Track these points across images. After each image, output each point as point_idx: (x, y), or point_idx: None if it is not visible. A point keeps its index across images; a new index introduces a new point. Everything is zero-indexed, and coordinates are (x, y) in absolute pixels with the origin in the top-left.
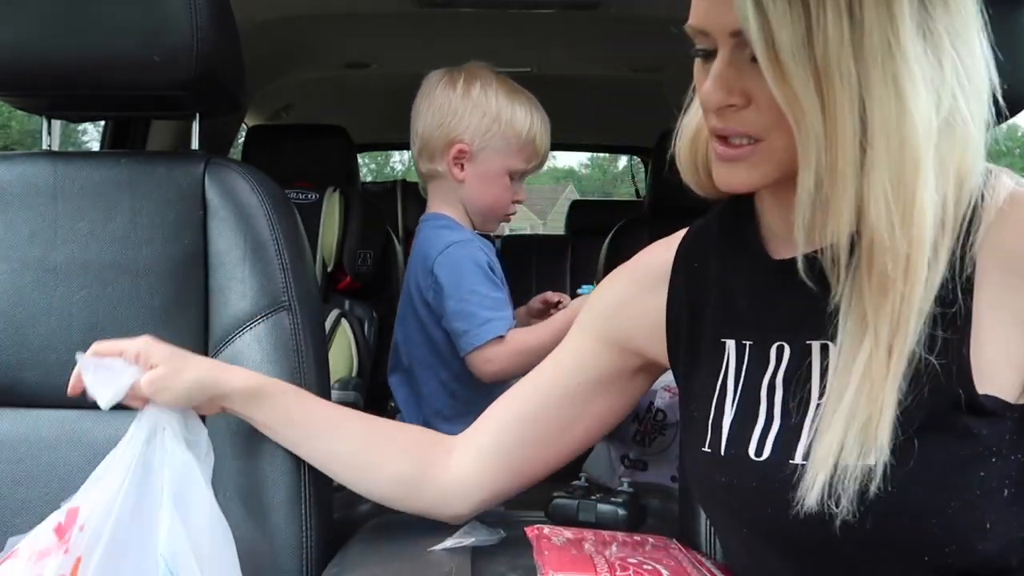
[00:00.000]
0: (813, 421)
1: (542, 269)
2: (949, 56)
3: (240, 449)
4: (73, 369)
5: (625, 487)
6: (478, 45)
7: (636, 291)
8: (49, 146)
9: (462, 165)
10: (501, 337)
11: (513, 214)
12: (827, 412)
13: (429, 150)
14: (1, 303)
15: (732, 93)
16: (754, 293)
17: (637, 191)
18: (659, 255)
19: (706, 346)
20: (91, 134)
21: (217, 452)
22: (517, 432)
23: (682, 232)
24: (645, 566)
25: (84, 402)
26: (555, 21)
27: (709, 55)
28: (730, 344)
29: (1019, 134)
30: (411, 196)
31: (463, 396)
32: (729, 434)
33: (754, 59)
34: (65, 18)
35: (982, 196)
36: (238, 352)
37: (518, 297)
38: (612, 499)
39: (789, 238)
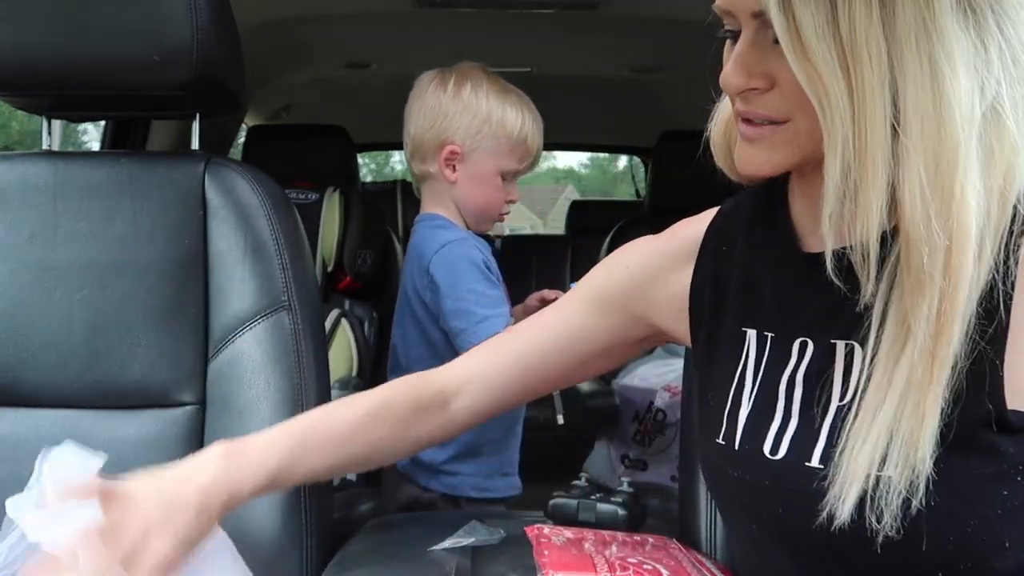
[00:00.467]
0: (833, 424)
1: (542, 269)
2: (994, 37)
3: None
4: (73, 369)
5: (625, 487)
6: (478, 45)
7: (663, 264)
8: (49, 146)
9: (454, 166)
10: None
11: (506, 214)
12: (863, 421)
13: (421, 151)
14: (1, 303)
15: (753, 76)
16: (780, 284)
17: (637, 191)
18: (690, 230)
19: (726, 334)
20: (91, 134)
21: None
22: (513, 386)
23: (714, 210)
24: (645, 566)
25: (84, 402)
26: (555, 21)
27: (736, 37)
28: (751, 334)
29: None
30: (411, 196)
31: None
32: (744, 428)
33: (776, 41)
34: (65, 18)
35: None
36: (238, 352)
37: (518, 297)
38: (612, 499)
39: (818, 231)
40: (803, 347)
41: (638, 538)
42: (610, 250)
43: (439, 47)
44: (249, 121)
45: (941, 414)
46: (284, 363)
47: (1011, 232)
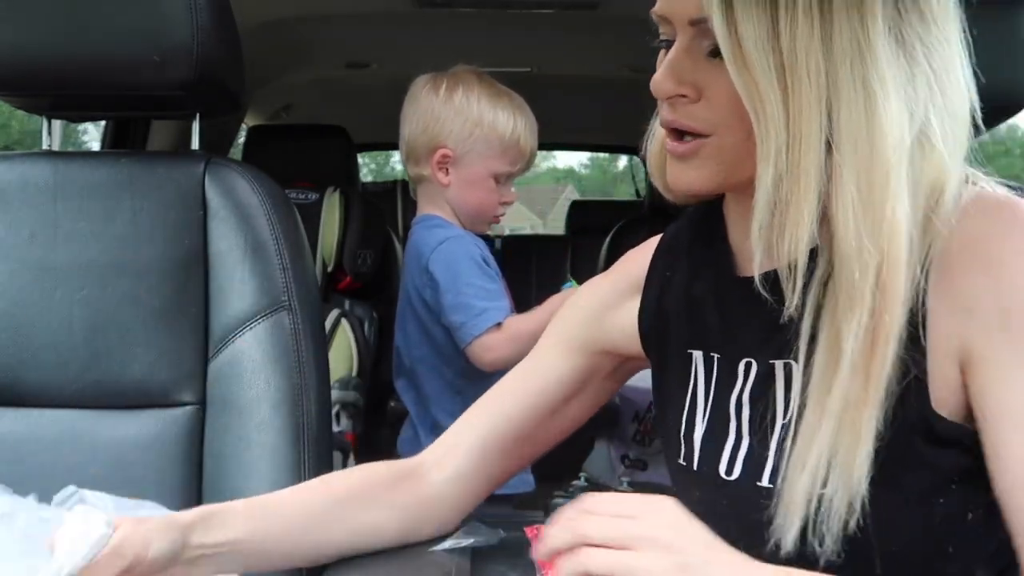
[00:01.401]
0: (779, 443)
1: (542, 269)
2: (923, 69)
3: (239, 450)
4: (73, 369)
5: (625, 487)
6: (478, 45)
7: (614, 298)
8: (49, 146)
9: (447, 169)
10: (499, 325)
11: (502, 215)
12: (801, 447)
13: (415, 155)
14: (1, 303)
15: (683, 84)
16: (721, 306)
17: (637, 191)
18: (636, 262)
19: (675, 358)
20: (91, 134)
21: (217, 453)
22: (495, 447)
23: (656, 238)
24: None
25: (84, 402)
26: (555, 21)
27: (671, 45)
28: (698, 356)
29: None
30: (411, 196)
31: (470, 394)
32: (701, 449)
33: (711, 53)
34: (65, 18)
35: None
36: (238, 352)
37: (518, 297)
38: None
39: (751, 251)
40: (748, 367)
41: None
42: (610, 250)
43: (439, 47)
44: (249, 121)
45: (876, 434)
46: (284, 363)
47: (927, 251)
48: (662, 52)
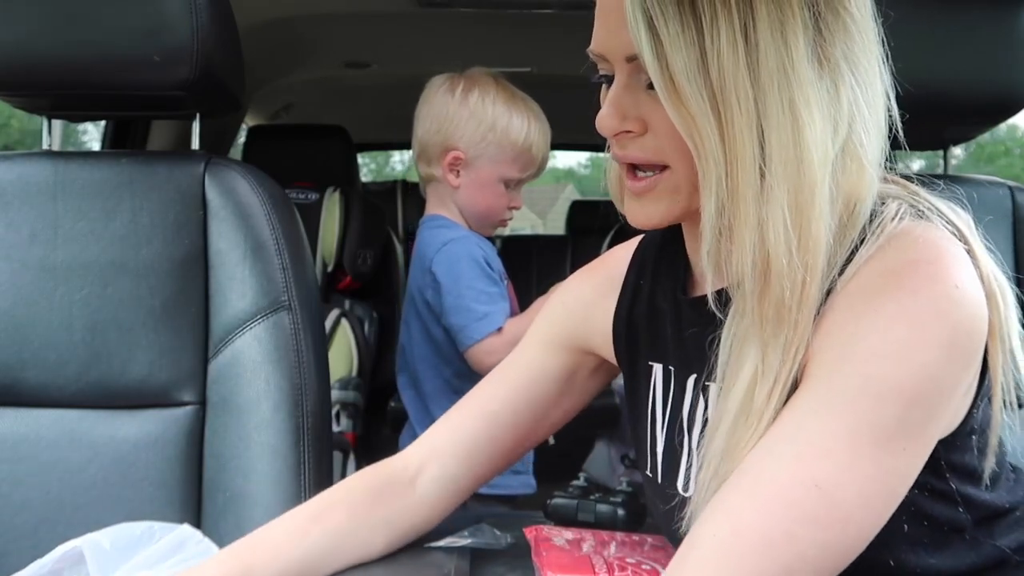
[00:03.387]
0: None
1: (542, 269)
2: (847, 82)
3: (240, 450)
4: (73, 369)
5: (625, 487)
6: (478, 45)
7: (593, 296)
8: (49, 146)
9: (457, 171)
10: (499, 329)
11: (509, 219)
12: (708, 446)
13: (427, 155)
14: (1, 303)
15: (627, 119)
16: (675, 323)
17: None
18: (617, 261)
19: (640, 368)
20: (91, 134)
21: (217, 453)
22: (481, 447)
23: (636, 240)
24: (644, 566)
25: (84, 402)
26: (555, 21)
27: (610, 81)
28: (657, 369)
29: (1019, 134)
30: (411, 196)
31: (467, 393)
32: (663, 464)
33: (651, 85)
34: (65, 18)
35: (867, 228)
36: (238, 352)
37: (519, 297)
38: (611, 499)
39: (701, 271)
40: (696, 384)
41: (637, 538)
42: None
43: (439, 47)
44: (249, 121)
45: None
46: (284, 363)
47: (844, 261)
48: (603, 88)
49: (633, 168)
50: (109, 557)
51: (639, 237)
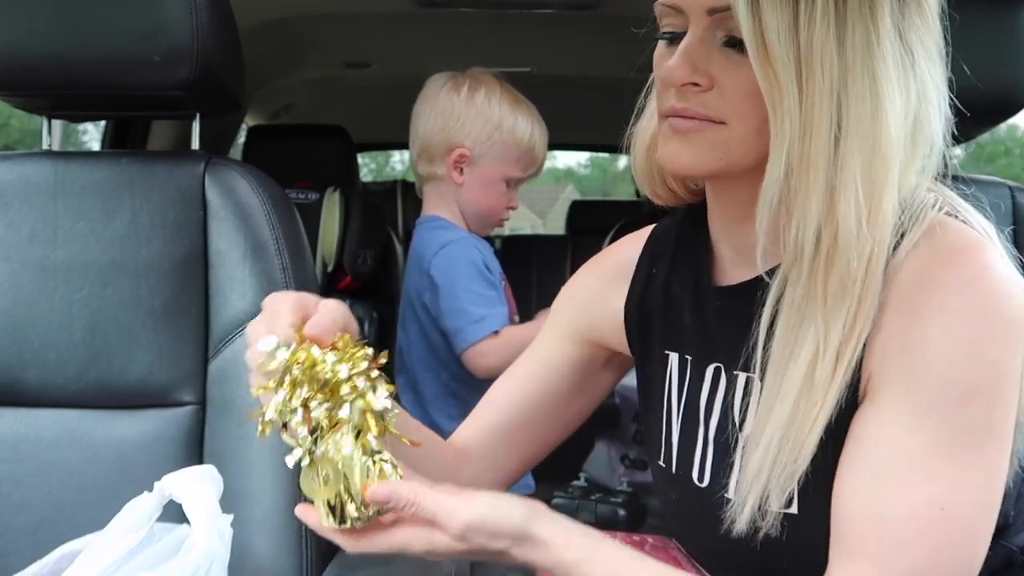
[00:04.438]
0: (743, 455)
1: (542, 269)
2: (921, 67)
3: (240, 450)
4: (73, 369)
5: (625, 487)
6: (478, 45)
7: (601, 288)
8: (49, 146)
9: (461, 169)
10: (496, 332)
11: (507, 219)
12: (759, 431)
13: (429, 153)
14: (1, 303)
15: (697, 71)
16: (696, 311)
17: (637, 191)
18: (625, 251)
19: (655, 356)
20: (91, 134)
21: (218, 453)
22: (503, 442)
23: (648, 229)
24: None
25: (84, 402)
26: (555, 21)
27: (675, 38)
28: (673, 357)
29: (1019, 134)
30: (411, 196)
31: (465, 397)
32: (677, 453)
33: (726, 43)
34: (65, 18)
35: (911, 218)
36: (238, 352)
37: (519, 298)
38: (612, 499)
39: (736, 261)
40: (716, 373)
41: (637, 538)
42: None
43: (439, 47)
44: (249, 121)
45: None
46: None
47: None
48: (661, 44)
49: (677, 115)
50: (108, 558)
51: (648, 229)
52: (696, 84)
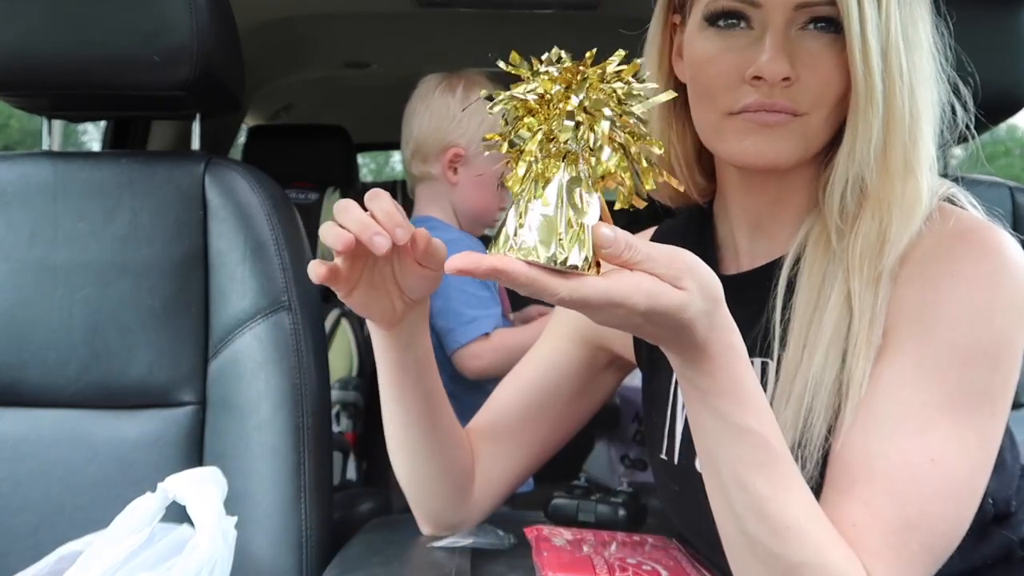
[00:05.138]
0: None
1: None
2: (939, 64)
3: (240, 451)
4: (74, 369)
5: (625, 487)
6: (478, 45)
7: None
8: (49, 146)
9: (456, 169)
10: (487, 335)
11: (498, 219)
12: (779, 399)
13: (423, 153)
14: (1, 303)
15: (792, 66)
16: None
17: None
18: None
19: (658, 351)
20: (91, 134)
21: (218, 453)
22: (507, 443)
23: (650, 231)
24: (644, 566)
25: (85, 402)
26: (555, 21)
27: (734, 27)
28: None
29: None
30: (411, 196)
31: (462, 397)
32: (681, 443)
33: (814, 27)
34: (65, 18)
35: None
36: (238, 352)
37: (517, 297)
38: (612, 499)
39: (744, 251)
40: None
41: (638, 538)
42: None
43: (439, 47)
44: (249, 121)
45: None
46: (284, 363)
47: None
48: (708, 40)
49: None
50: (109, 558)
51: (650, 231)
52: (786, 79)
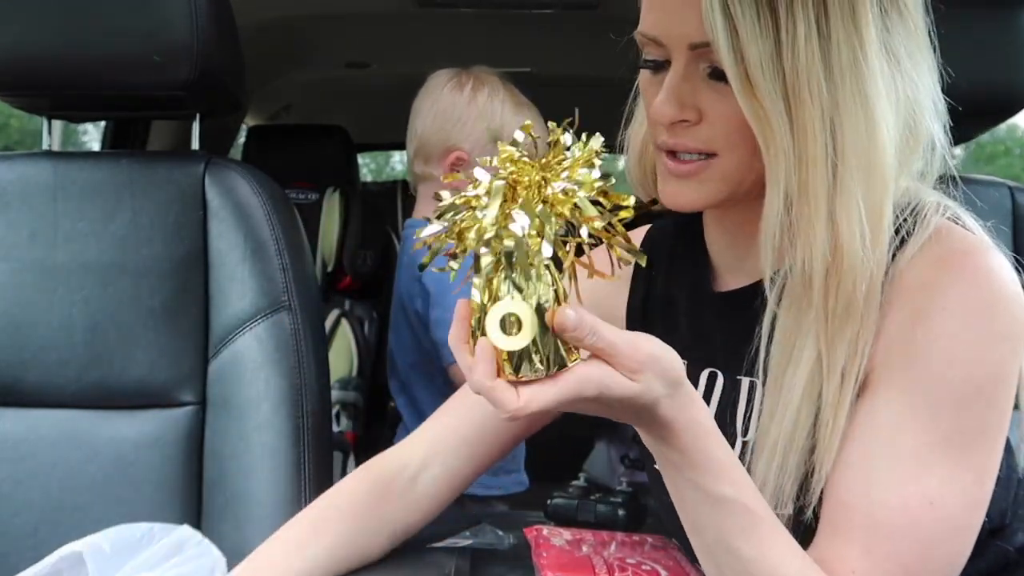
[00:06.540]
0: (740, 456)
1: None
2: (908, 76)
3: (240, 451)
4: (74, 369)
5: (625, 487)
6: (478, 45)
7: (603, 288)
8: (49, 146)
9: (457, 172)
10: None
11: None
12: (763, 436)
13: (425, 152)
14: (1, 303)
15: (685, 108)
16: (691, 317)
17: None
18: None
19: None
20: (91, 134)
21: (218, 453)
22: (487, 436)
23: (643, 229)
24: (644, 566)
25: (85, 402)
26: (555, 21)
27: (659, 67)
28: None
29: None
30: (411, 196)
31: None
32: None
33: (710, 75)
34: (65, 18)
35: (914, 221)
36: (238, 352)
37: None
38: (612, 499)
39: (734, 268)
40: (711, 378)
41: (637, 538)
42: None
43: (439, 47)
44: (249, 121)
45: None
46: (284, 363)
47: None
48: (645, 73)
49: (672, 152)
50: (109, 559)
51: (642, 229)
52: (685, 120)
